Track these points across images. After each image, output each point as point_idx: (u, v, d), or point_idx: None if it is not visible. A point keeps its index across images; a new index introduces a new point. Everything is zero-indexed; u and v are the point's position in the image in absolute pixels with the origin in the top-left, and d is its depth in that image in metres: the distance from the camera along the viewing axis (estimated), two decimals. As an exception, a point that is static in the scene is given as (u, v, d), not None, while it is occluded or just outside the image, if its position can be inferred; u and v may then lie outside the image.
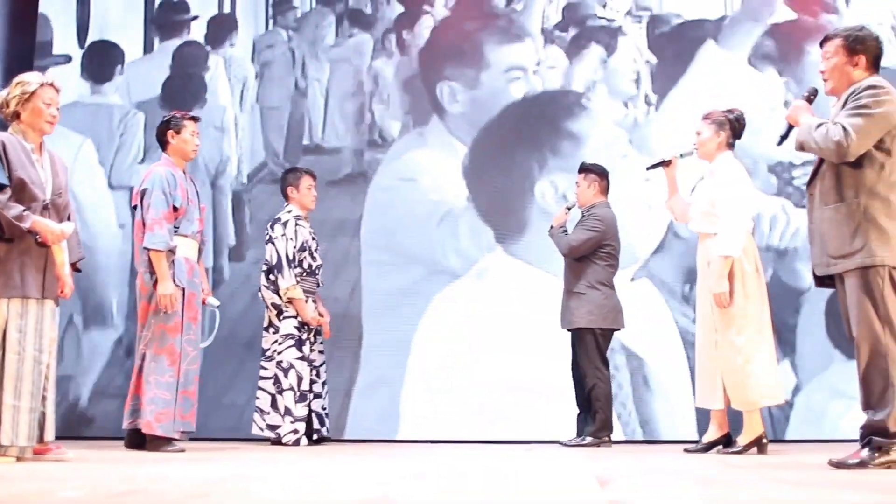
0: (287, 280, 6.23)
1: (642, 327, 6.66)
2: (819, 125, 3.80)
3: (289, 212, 6.45)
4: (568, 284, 6.14)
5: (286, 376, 6.13)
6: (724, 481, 3.14)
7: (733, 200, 5.09)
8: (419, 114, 7.63)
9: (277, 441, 6.07)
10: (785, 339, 6.76)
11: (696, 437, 6.14)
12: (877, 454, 3.62)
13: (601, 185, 6.24)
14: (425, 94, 7.65)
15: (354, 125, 7.78)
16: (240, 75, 7.98)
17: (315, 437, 6.27)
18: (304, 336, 6.26)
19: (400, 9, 7.90)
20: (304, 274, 6.36)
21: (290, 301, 6.24)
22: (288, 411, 6.08)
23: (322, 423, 6.34)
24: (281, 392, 6.12)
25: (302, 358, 6.20)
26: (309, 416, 6.24)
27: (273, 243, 6.32)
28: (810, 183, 3.98)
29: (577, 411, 6.11)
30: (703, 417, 6.04)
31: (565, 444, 5.99)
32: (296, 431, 6.07)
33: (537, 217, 7.07)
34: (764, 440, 5.07)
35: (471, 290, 7.25)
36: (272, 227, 6.39)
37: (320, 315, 6.43)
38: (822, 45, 4.05)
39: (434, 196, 7.38)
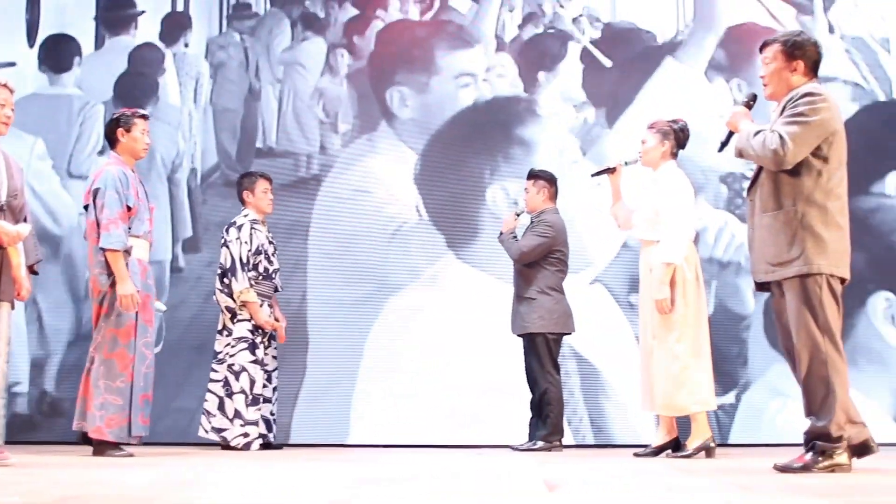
0: (240, 283, 6.19)
1: (595, 333, 6.71)
2: (757, 132, 3.82)
3: (245, 216, 6.41)
4: (518, 290, 6.17)
5: (237, 379, 6.09)
6: (672, 486, 3.16)
7: (676, 209, 5.16)
8: (369, 119, 7.62)
9: (227, 445, 6.03)
10: (727, 351, 6.85)
11: (646, 442, 6.19)
12: (820, 458, 3.68)
13: (550, 192, 6.28)
14: (375, 100, 7.65)
15: (307, 129, 7.75)
16: (193, 73, 7.93)
17: (262, 441, 6.24)
18: (258, 340, 6.22)
19: (353, 12, 7.89)
20: (260, 278, 6.32)
21: (244, 304, 6.21)
22: (238, 415, 6.04)
23: (269, 429, 6.31)
24: (231, 395, 6.08)
25: (255, 361, 6.17)
26: (268, 419, 6.23)
27: (227, 247, 6.27)
28: (750, 190, 4.02)
29: (530, 415, 6.14)
30: (652, 422, 6.10)
31: (516, 449, 6.01)
32: (246, 435, 6.03)
33: (489, 222, 7.10)
34: (711, 444, 5.13)
35: (422, 295, 7.26)
36: (227, 231, 6.35)
37: (276, 319, 6.40)
38: (761, 49, 4.06)
39: (388, 210, 7.39)
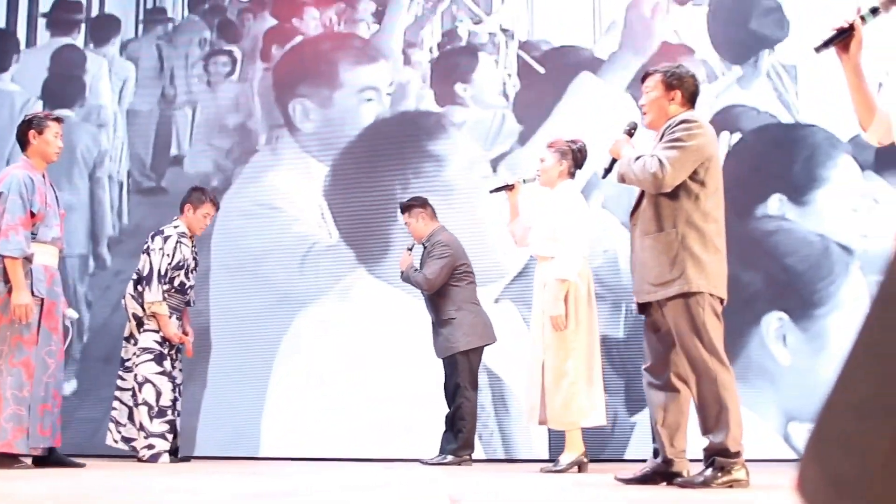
0: (153, 295, 6.11)
1: (504, 348, 6.76)
2: (638, 158, 3.93)
3: (175, 227, 6.31)
4: (435, 314, 6.18)
5: (140, 391, 6.02)
6: (571, 501, 3.20)
7: (571, 227, 5.23)
8: (276, 131, 7.62)
9: (135, 456, 5.95)
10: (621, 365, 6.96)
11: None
12: (720, 474, 3.76)
13: (428, 213, 6.32)
14: (279, 112, 7.65)
15: (218, 138, 7.71)
16: (122, 75, 7.87)
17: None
18: (165, 351, 6.15)
19: (271, 23, 7.87)
20: (174, 290, 6.24)
21: (154, 315, 6.13)
22: (142, 427, 5.97)
23: (175, 440, 6.24)
24: (136, 406, 6.00)
25: (162, 373, 6.09)
26: (174, 431, 6.15)
27: (149, 255, 6.19)
28: (633, 214, 4.12)
29: (444, 429, 6.16)
30: (560, 437, 6.16)
31: (426, 463, 6.02)
32: (151, 447, 5.96)
33: (400, 238, 7.09)
34: (585, 459, 5.21)
35: (333, 310, 7.25)
36: (152, 239, 6.25)
37: (185, 333, 6.33)
38: (643, 80, 4.20)
39: (297, 224, 7.40)
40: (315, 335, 7.27)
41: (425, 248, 6.26)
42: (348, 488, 3.70)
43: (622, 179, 4.03)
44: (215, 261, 7.38)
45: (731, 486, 3.74)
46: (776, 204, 6.95)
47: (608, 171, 4.19)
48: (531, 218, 5.60)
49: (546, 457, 6.49)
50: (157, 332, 6.13)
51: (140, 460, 5.93)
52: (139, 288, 6.18)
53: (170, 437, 6.09)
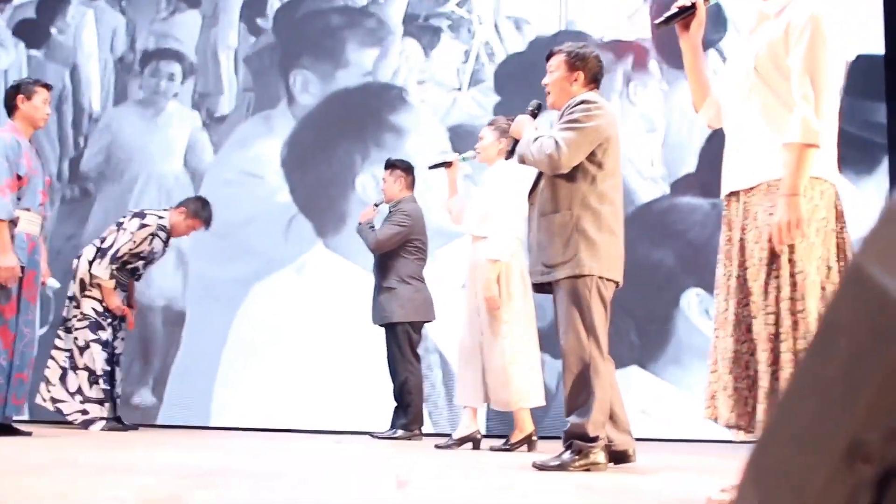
0: (103, 272, 6.05)
1: (457, 327, 6.74)
2: (536, 139, 3.92)
3: (159, 217, 6.22)
4: (378, 280, 6.16)
5: (81, 355, 5.97)
6: (506, 485, 3.18)
7: (506, 206, 5.18)
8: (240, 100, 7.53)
9: (64, 420, 5.92)
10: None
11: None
12: (577, 457, 3.77)
13: (407, 181, 6.25)
14: (258, 82, 7.56)
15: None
16: (110, 26, 7.77)
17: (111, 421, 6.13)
18: (105, 322, 6.08)
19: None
20: (125, 271, 6.18)
21: (99, 285, 6.05)
22: (79, 391, 5.92)
23: (115, 408, 6.20)
24: (75, 370, 5.95)
25: (97, 341, 6.03)
26: (112, 400, 6.09)
27: (119, 231, 6.11)
28: (531, 194, 4.10)
29: (395, 404, 6.14)
30: (499, 415, 6.16)
31: (376, 437, 6.00)
32: (85, 412, 5.93)
33: (358, 210, 7.03)
34: (534, 438, 5.22)
35: (289, 283, 7.20)
36: (131, 218, 6.17)
37: (130, 306, 6.25)
38: (547, 59, 4.18)
39: (258, 192, 7.35)
40: (269, 307, 7.22)
41: (390, 210, 6.22)
42: (295, 466, 3.66)
43: (522, 160, 4.01)
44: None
45: (588, 470, 3.76)
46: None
47: (511, 152, 4.17)
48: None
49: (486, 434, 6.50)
50: (100, 301, 6.05)
51: (68, 423, 5.88)
52: (97, 256, 6.10)
53: (107, 405, 6.03)
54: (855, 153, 6.89)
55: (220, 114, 7.58)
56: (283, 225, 7.27)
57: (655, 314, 6.85)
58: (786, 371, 2.52)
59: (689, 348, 6.76)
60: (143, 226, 6.12)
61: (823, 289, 2.58)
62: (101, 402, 5.96)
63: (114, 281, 6.08)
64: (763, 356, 2.59)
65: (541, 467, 3.79)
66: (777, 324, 2.57)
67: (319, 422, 6.85)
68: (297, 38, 7.65)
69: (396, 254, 6.09)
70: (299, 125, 7.43)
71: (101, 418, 5.99)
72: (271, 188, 7.35)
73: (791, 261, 2.58)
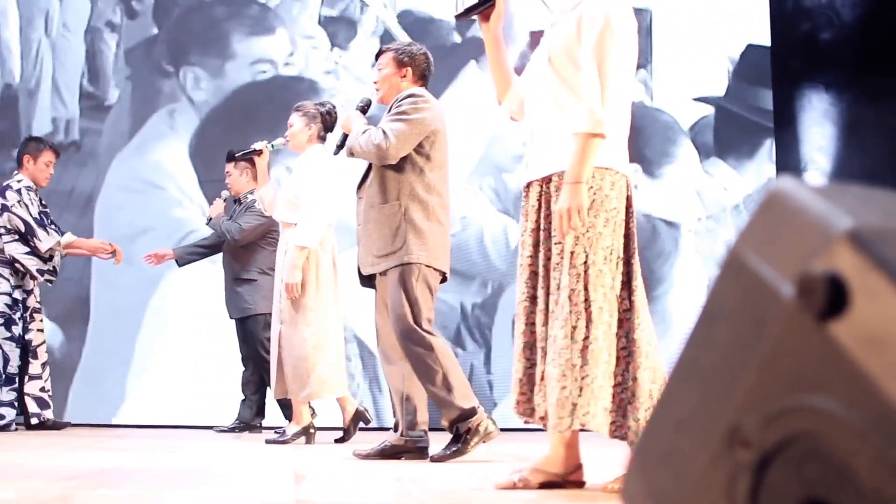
0: (51, 238, 5.97)
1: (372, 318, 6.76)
2: (365, 131, 4.01)
3: (18, 181, 6.11)
4: (233, 272, 6.14)
5: (-7, 356, 5.82)
6: (400, 477, 3.17)
7: (316, 193, 5.14)
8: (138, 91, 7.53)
9: None
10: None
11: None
12: (468, 437, 3.83)
13: (253, 172, 6.05)
14: (154, 74, 7.52)
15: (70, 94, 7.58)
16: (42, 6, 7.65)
17: (34, 421, 6.00)
18: (17, 315, 5.93)
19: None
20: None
21: (70, 245, 6.08)
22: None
23: (43, 407, 6.07)
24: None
25: (10, 338, 5.89)
26: (22, 399, 5.94)
27: (11, 211, 5.96)
28: (360, 187, 4.17)
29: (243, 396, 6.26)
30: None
31: (219, 430, 6.16)
32: (1, 417, 5.76)
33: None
34: (312, 430, 5.20)
35: (195, 276, 7.08)
36: (3, 195, 6.01)
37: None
38: (376, 57, 4.32)
39: (177, 212, 7.29)
40: (174, 302, 7.23)
41: (240, 202, 6.21)
42: (187, 464, 3.61)
43: (351, 153, 4.10)
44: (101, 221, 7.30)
45: (485, 442, 3.84)
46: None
47: (340, 147, 4.24)
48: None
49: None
50: (9, 294, 5.92)
51: None
52: (30, 245, 5.97)
53: (34, 404, 5.95)
54: (744, 136, 7.39)
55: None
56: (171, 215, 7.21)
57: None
58: (561, 359, 2.55)
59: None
60: (18, 191, 6.01)
61: (614, 279, 2.65)
62: (11, 403, 5.84)
63: (69, 235, 6.11)
64: (542, 344, 2.66)
65: (439, 458, 3.81)
66: (560, 312, 2.60)
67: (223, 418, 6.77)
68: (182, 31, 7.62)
69: (256, 245, 6.10)
70: (207, 119, 7.40)
71: (28, 417, 5.92)
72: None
73: (574, 252, 2.63)
